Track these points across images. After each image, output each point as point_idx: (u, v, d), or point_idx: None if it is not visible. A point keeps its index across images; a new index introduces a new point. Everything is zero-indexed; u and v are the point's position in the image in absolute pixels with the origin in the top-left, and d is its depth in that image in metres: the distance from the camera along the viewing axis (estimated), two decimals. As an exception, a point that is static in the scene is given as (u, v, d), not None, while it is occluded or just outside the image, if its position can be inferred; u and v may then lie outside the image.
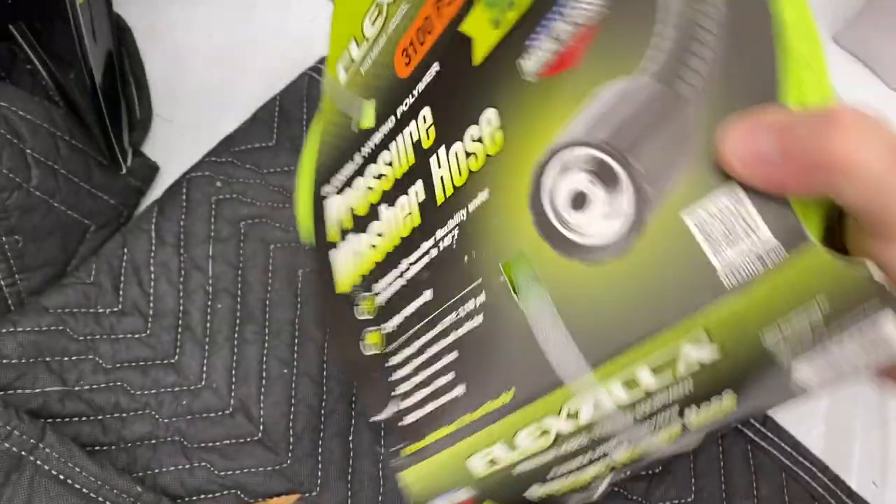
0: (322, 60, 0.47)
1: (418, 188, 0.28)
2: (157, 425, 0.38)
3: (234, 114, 0.46)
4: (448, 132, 0.27)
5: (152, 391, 0.39)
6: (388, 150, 0.30)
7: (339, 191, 0.33)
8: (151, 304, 0.40)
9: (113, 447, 0.38)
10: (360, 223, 0.31)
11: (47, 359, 0.37)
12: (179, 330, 0.40)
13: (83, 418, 0.37)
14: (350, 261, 0.32)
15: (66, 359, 0.38)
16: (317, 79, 0.46)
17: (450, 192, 0.27)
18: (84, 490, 0.35)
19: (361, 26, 0.32)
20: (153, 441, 0.38)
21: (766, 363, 0.20)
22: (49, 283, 0.39)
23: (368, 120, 0.32)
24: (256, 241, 0.42)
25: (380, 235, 0.30)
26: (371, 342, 0.30)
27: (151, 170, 0.44)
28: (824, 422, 0.42)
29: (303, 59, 0.47)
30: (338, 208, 0.33)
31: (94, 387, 0.38)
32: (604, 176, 0.22)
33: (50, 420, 0.36)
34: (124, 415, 0.38)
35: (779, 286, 0.19)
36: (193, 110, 0.46)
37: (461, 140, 0.26)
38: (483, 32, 0.26)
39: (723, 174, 0.20)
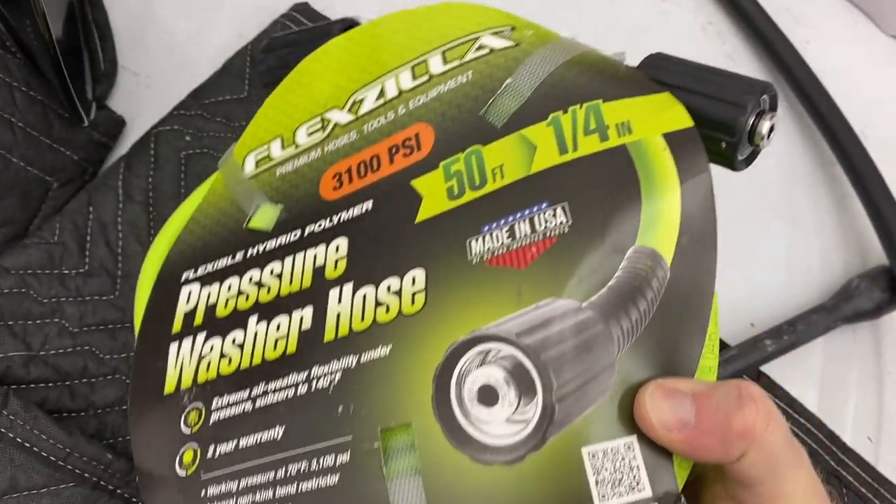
0: (295, 7, 0.44)
1: (305, 314, 0.26)
2: (128, 390, 0.37)
3: (204, 65, 0.44)
4: (362, 272, 0.25)
5: (122, 355, 0.37)
6: (282, 262, 0.27)
7: (203, 281, 0.29)
8: (120, 265, 0.38)
9: (82, 413, 0.36)
10: (217, 325, 0.27)
11: (10, 322, 0.36)
12: (150, 291, 0.38)
13: (49, 384, 0.36)
14: (187, 361, 0.27)
15: (29, 322, 0.36)
16: (290, 27, 0.44)
17: (344, 332, 0.24)
18: (51, 458, 0.33)
19: (294, 131, 0.30)
20: (125, 407, 0.37)
21: None
22: (9, 244, 0.37)
23: (264, 222, 0.29)
24: (229, 198, 0.40)
25: (239, 347, 0.26)
26: (186, 460, 0.26)
27: (117, 124, 0.42)
28: (819, 378, 0.41)
29: (275, 6, 0.45)
30: (193, 299, 0.28)
31: (61, 351, 0.36)
32: (521, 380, 0.21)
33: (14, 386, 0.34)
34: (93, 380, 0.36)
35: None
36: (161, 61, 0.44)
37: (376, 286, 0.25)
38: (435, 196, 0.26)
39: (629, 424, 0.21)
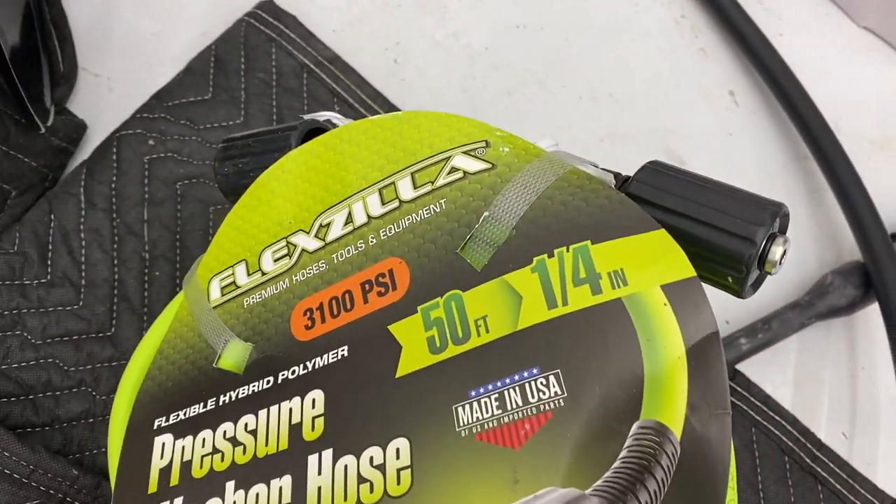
0: (260, 5, 0.43)
1: (285, 485, 0.23)
2: (94, 402, 0.36)
3: (167, 65, 0.42)
4: (341, 437, 0.23)
5: (87, 367, 0.36)
6: (256, 416, 0.25)
7: (176, 433, 0.26)
8: (83, 274, 0.37)
9: (46, 428, 0.35)
10: (194, 489, 0.24)
11: (-31, 336, 0.35)
12: (115, 300, 0.37)
13: (12, 398, 0.35)
14: None
15: (-10, 335, 0.35)
16: (255, 25, 0.43)
17: None
18: (15, 476, 0.32)
19: (259, 255, 0.28)
20: (91, 420, 0.36)
21: None
22: (-32, 255, 0.36)
23: (233, 363, 0.26)
24: (195, 203, 0.39)
25: None
26: None
27: (78, 128, 0.41)
28: (793, 375, 0.41)
29: (239, 4, 0.44)
30: (167, 454, 0.26)
31: (23, 364, 0.35)
32: None
33: (-25, 402, 0.34)
34: (58, 393, 0.36)
35: None
36: (122, 62, 0.43)
37: (357, 457, 0.22)
38: (416, 347, 0.23)
39: None
